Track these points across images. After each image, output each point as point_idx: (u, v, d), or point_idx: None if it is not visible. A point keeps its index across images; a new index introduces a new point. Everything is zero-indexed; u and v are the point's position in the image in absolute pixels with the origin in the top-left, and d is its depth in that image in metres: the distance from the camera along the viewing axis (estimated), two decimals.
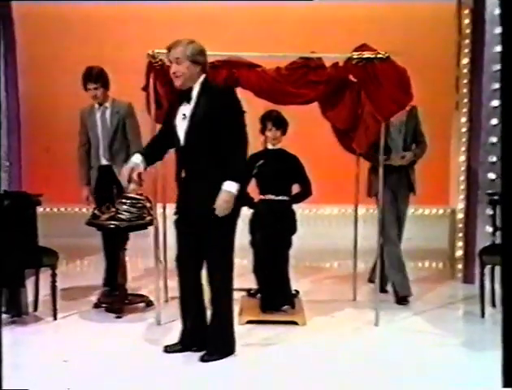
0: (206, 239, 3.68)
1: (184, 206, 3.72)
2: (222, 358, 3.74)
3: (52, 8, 6.56)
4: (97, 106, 5.05)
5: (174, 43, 3.63)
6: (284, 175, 4.60)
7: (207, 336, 3.80)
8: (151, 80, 4.34)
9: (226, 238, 3.68)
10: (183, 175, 3.66)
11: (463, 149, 5.79)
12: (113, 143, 5.01)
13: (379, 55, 4.27)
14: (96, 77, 4.94)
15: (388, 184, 4.67)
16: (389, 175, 4.66)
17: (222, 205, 3.52)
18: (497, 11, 5.21)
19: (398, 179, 4.93)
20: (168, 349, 3.89)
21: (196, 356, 3.82)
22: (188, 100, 3.64)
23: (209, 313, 3.83)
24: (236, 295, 4.54)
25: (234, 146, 3.57)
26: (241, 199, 3.69)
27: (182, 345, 3.90)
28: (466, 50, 5.71)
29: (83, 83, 4.96)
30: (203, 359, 3.75)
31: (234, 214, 3.62)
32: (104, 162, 5.05)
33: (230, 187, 3.51)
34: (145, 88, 4.40)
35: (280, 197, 4.58)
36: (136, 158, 3.71)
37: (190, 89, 3.64)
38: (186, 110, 3.64)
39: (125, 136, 5.02)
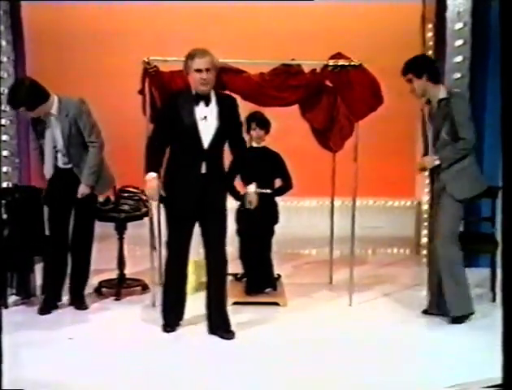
0: (212, 227, 3.77)
1: (197, 198, 3.69)
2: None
3: (59, 19, 6.50)
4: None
5: (203, 52, 3.60)
6: (268, 171, 4.59)
7: (222, 317, 3.85)
8: (146, 85, 4.29)
9: (225, 227, 3.82)
10: (203, 170, 3.67)
11: None
12: (69, 148, 4.14)
13: (352, 63, 4.29)
14: (37, 96, 3.96)
15: (433, 184, 4.18)
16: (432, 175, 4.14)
17: (255, 202, 3.97)
18: (457, 26, 5.28)
19: (438, 182, 4.09)
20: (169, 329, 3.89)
21: (186, 334, 3.81)
22: (207, 103, 3.63)
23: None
24: None
25: (244, 151, 3.94)
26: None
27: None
28: None
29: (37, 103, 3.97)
30: (229, 337, 3.76)
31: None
32: (61, 164, 4.19)
33: (253, 188, 3.95)
34: (141, 92, 4.36)
35: (264, 191, 4.55)
36: (154, 178, 3.67)
37: (207, 94, 3.64)
38: (206, 112, 3.64)
39: (81, 134, 4.15)
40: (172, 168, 3.76)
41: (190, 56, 3.60)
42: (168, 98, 3.91)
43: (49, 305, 4.26)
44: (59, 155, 4.17)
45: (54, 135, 4.13)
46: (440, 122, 3.93)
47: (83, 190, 4.18)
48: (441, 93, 3.95)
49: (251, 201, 3.96)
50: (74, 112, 4.10)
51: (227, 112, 3.70)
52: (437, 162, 3.94)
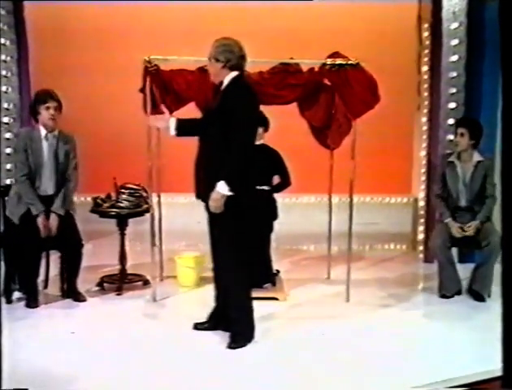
0: (214, 228, 3.50)
1: (198, 193, 3.49)
2: (245, 345, 3.51)
3: (61, 18, 6.49)
4: (43, 132, 4.21)
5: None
6: (266, 168, 4.55)
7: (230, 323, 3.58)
8: (147, 83, 4.26)
9: (228, 229, 3.40)
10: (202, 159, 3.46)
11: (424, 145, 5.80)
12: (59, 175, 4.27)
13: (350, 62, 4.25)
14: (56, 95, 4.19)
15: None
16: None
17: (211, 203, 3.32)
18: (453, 26, 5.25)
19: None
20: (198, 327, 3.68)
21: (187, 328, 3.79)
22: (218, 93, 3.46)
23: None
24: None
25: (233, 147, 3.29)
26: (243, 198, 3.38)
27: (209, 324, 3.73)
28: (426, 59, 5.73)
29: (39, 102, 4.17)
30: (230, 347, 3.50)
31: (236, 211, 3.35)
32: (49, 192, 4.26)
33: (221, 187, 3.27)
34: (142, 90, 4.33)
35: (263, 187, 4.52)
36: (172, 121, 3.44)
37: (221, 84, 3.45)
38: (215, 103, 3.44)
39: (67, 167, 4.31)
40: None
41: None
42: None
43: (35, 298, 4.24)
44: (46, 181, 4.24)
45: (49, 157, 4.23)
46: (478, 180, 4.44)
47: (56, 222, 4.22)
48: (476, 155, 4.49)
49: (211, 201, 3.32)
50: (72, 143, 4.33)
51: (225, 102, 3.37)
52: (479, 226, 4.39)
